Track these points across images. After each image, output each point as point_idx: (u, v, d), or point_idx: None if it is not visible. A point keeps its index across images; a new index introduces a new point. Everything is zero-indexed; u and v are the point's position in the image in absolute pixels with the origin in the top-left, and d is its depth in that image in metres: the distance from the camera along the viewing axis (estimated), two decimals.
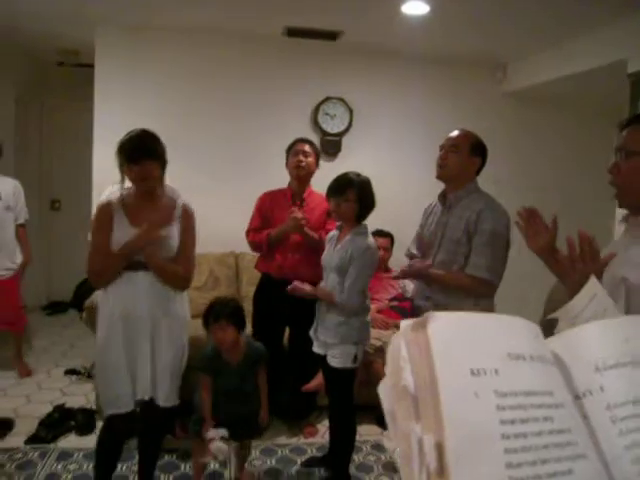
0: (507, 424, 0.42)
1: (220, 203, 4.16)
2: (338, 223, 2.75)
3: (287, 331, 3.36)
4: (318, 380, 2.93)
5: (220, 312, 2.56)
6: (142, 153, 2.26)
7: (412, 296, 2.77)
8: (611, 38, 3.39)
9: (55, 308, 5.68)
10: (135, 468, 2.64)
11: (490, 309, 2.47)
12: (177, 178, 2.56)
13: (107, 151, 3.95)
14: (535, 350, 0.47)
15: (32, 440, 3.06)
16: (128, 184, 3.26)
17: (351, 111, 4.48)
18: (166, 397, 2.34)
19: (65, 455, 2.95)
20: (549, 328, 1.18)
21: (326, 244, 2.79)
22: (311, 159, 3.29)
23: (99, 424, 3.25)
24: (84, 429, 3.21)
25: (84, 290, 3.80)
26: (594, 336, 0.52)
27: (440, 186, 2.55)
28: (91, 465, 2.80)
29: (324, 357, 2.67)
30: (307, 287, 2.69)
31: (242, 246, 3.42)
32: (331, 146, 4.49)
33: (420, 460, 0.41)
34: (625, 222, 1.56)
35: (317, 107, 4.44)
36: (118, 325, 2.26)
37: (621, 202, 1.52)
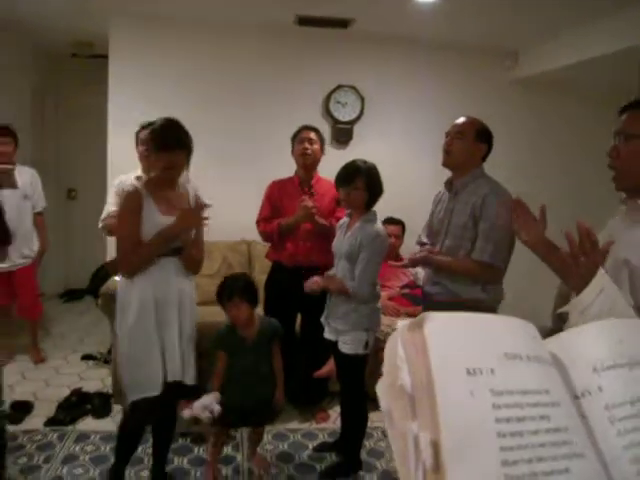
0: (503, 422, 0.43)
1: (232, 191, 4.18)
2: (348, 211, 2.76)
3: (299, 318, 3.38)
4: (329, 366, 2.96)
5: (233, 289, 2.57)
6: (175, 142, 2.28)
7: (423, 283, 2.78)
8: (624, 24, 3.33)
9: (71, 295, 5.76)
10: (150, 451, 2.69)
11: (499, 296, 2.47)
12: (190, 166, 2.58)
13: (121, 140, 4.03)
14: (532, 350, 0.48)
15: (51, 422, 3.14)
16: (138, 172, 3.31)
17: (362, 99, 4.45)
18: (192, 376, 2.42)
19: (82, 437, 3.02)
20: (560, 322, 1.19)
21: (337, 231, 2.80)
22: (316, 146, 3.28)
23: (115, 408, 3.33)
24: (100, 412, 3.28)
25: (100, 277, 3.84)
26: (591, 338, 0.52)
27: (450, 173, 2.56)
28: (108, 447, 2.87)
29: (335, 343, 2.69)
30: (319, 281, 2.71)
31: (254, 234, 3.43)
32: (343, 134, 4.48)
33: (416, 457, 0.42)
34: (624, 204, 1.57)
35: (329, 95, 4.43)
36: (150, 310, 2.29)
37: (619, 185, 1.54)
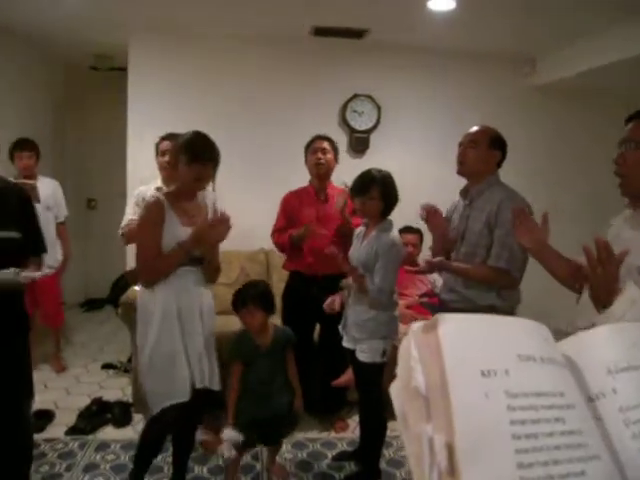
0: (517, 424, 0.43)
1: (250, 200, 4.22)
2: (364, 220, 2.76)
3: (317, 327, 3.38)
4: (348, 375, 2.95)
5: (247, 296, 2.58)
6: (207, 155, 2.32)
7: (439, 291, 2.77)
8: None
9: (92, 305, 5.83)
10: (169, 459, 2.70)
11: (515, 302, 2.45)
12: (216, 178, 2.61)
13: (140, 151, 4.10)
14: (545, 352, 0.48)
15: (72, 431, 3.18)
16: (158, 183, 3.35)
17: (379, 108, 4.47)
18: (217, 382, 2.45)
19: (103, 446, 3.04)
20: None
21: (353, 240, 2.81)
22: (330, 156, 3.28)
23: (135, 417, 3.35)
24: (121, 421, 3.31)
25: (120, 287, 3.89)
26: (604, 340, 0.52)
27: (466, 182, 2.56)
28: (128, 456, 2.89)
29: (353, 352, 2.69)
30: (337, 300, 2.76)
31: (272, 244, 3.45)
32: (360, 143, 4.50)
33: (431, 460, 0.42)
34: (629, 208, 1.64)
35: (345, 104, 4.45)
36: (174, 319, 2.31)
37: (625, 191, 1.62)
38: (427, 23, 3.72)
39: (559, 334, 0.54)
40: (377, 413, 2.74)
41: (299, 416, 2.77)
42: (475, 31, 3.89)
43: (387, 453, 3.04)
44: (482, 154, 2.43)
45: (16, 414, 2.16)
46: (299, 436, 3.21)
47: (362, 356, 2.63)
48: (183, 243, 2.28)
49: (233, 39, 4.27)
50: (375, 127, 4.50)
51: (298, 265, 3.29)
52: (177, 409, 2.31)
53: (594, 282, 1.34)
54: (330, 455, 3.07)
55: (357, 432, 3.07)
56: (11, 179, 2.49)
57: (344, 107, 4.45)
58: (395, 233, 2.67)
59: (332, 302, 2.77)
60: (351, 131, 4.48)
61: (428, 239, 3.84)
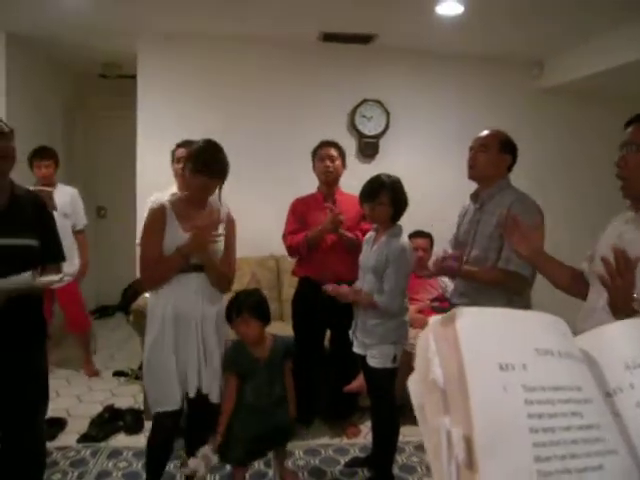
0: (535, 418, 0.43)
1: (260, 206, 4.23)
2: (374, 225, 2.76)
3: (328, 333, 3.38)
4: (359, 381, 2.94)
5: (242, 305, 2.49)
6: (212, 167, 2.31)
7: (450, 295, 2.76)
8: None
9: (103, 312, 5.86)
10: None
11: (525, 307, 2.43)
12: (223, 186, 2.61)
13: (150, 159, 4.12)
14: (563, 346, 0.48)
15: (84, 439, 3.18)
16: (173, 189, 3.37)
17: (388, 113, 4.48)
18: (217, 395, 2.42)
19: (115, 453, 3.05)
20: None
21: (363, 245, 2.81)
22: (338, 162, 3.28)
23: (147, 424, 3.35)
24: (132, 429, 3.31)
25: (131, 294, 3.91)
26: (622, 335, 0.52)
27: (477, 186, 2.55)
28: (140, 463, 2.89)
29: (364, 357, 2.68)
30: (345, 289, 2.70)
31: (283, 249, 3.45)
32: (369, 148, 4.51)
33: (449, 453, 0.42)
34: (634, 211, 1.66)
35: (354, 110, 4.47)
36: (169, 326, 2.31)
37: (627, 193, 1.65)
38: (435, 28, 3.74)
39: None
40: (389, 418, 2.72)
41: (293, 430, 2.76)
42: (483, 35, 3.91)
43: (400, 459, 3.02)
44: (493, 158, 2.42)
45: (30, 420, 2.17)
46: (311, 442, 3.20)
47: (373, 362, 2.63)
48: (181, 247, 2.29)
49: (241, 45, 4.30)
50: (384, 132, 4.51)
51: (308, 271, 3.29)
52: (168, 416, 2.33)
53: (613, 293, 1.36)
54: (343, 461, 3.06)
55: (369, 438, 3.05)
56: (30, 187, 2.50)
57: (353, 112, 4.47)
58: (405, 238, 2.66)
59: (335, 288, 2.69)
60: (360, 136, 4.49)
61: (438, 243, 3.86)
